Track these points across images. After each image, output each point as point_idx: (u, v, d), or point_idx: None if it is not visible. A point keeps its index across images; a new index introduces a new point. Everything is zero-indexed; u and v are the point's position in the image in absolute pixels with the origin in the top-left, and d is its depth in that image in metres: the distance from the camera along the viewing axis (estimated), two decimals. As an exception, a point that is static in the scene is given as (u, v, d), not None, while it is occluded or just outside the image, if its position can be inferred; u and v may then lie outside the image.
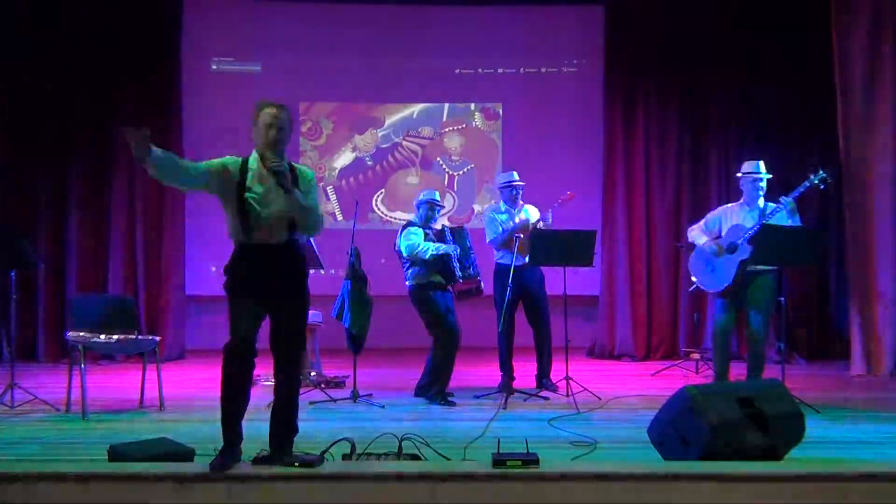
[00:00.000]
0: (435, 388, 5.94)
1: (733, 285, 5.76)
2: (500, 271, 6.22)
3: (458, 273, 5.98)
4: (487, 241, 6.41)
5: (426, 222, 6.10)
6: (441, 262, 5.95)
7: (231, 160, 3.96)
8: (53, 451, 4.53)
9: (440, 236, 6.07)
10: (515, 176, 6.45)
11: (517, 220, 6.32)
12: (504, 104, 9.23)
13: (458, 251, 6.04)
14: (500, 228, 6.31)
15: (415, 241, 5.95)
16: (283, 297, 3.82)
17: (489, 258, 6.54)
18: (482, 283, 6.17)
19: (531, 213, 6.40)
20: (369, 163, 9.25)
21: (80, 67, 8.21)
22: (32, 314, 8.09)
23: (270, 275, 3.79)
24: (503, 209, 6.43)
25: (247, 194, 3.80)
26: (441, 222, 6.48)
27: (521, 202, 6.46)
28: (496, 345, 6.34)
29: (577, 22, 9.00)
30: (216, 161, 3.94)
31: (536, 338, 6.40)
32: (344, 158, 9.26)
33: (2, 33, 8.07)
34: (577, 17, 9.01)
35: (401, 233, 6.11)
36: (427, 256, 5.90)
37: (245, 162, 3.93)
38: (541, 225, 6.24)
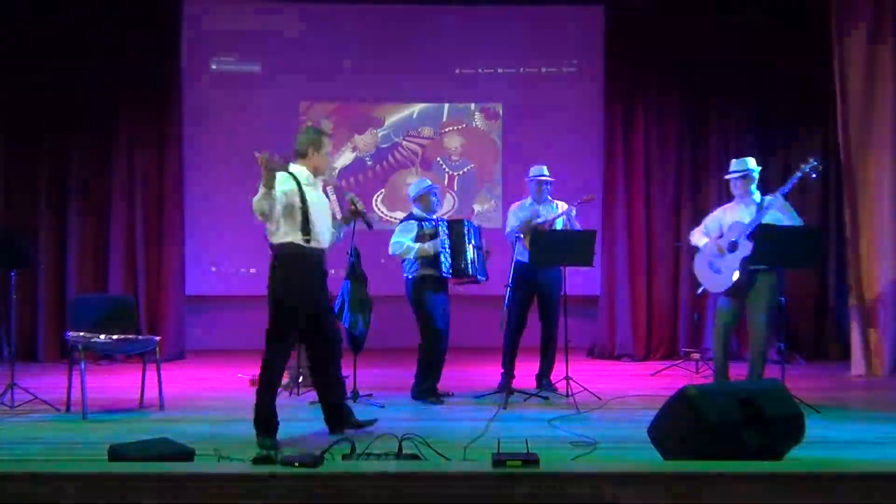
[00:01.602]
0: (424, 385, 5.95)
1: (737, 284, 5.76)
2: (514, 268, 6.22)
3: (445, 268, 5.87)
4: (506, 233, 6.43)
5: (428, 210, 6.05)
6: (431, 258, 5.91)
7: (284, 180, 4.56)
8: (53, 451, 4.53)
9: (434, 230, 5.96)
10: (544, 171, 6.39)
11: (541, 215, 6.30)
12: (504, 104, 9.23)
13: (449, 246, 5.91)
14: (518, 223, 6.30)
15: (400, 240, 5.93)
16: (323, 292, 4.79)
17: (500, 252, 6.53)
18: (478, 277, 6.08)
19: (558, 210, 6.37)
20: (369, 163, 9.26)
21: (80, 67, 8.21)
22: (32, 314, 8.09)
23: (319, 274, 4.69)
24: (528, 204, 6.42)
25: (308, 205, 4.58)
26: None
27: (549, 198, 6.45)
28: (496, 344, 6.34)
29: (577, 22, 9.00)
30: (278, 192, 4.50)
31: (543, 337, 6.40)
32: (344, 158, 9.26)
33: (1, 33, 8.07)
34: (577, 17, 9.01)
35: (395, 228, 6.12)
36: (412, 256, 5.91)
37: (294, 176, 4.63)
38: (559, 224, 6.25)
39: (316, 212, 4.63)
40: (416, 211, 6.12)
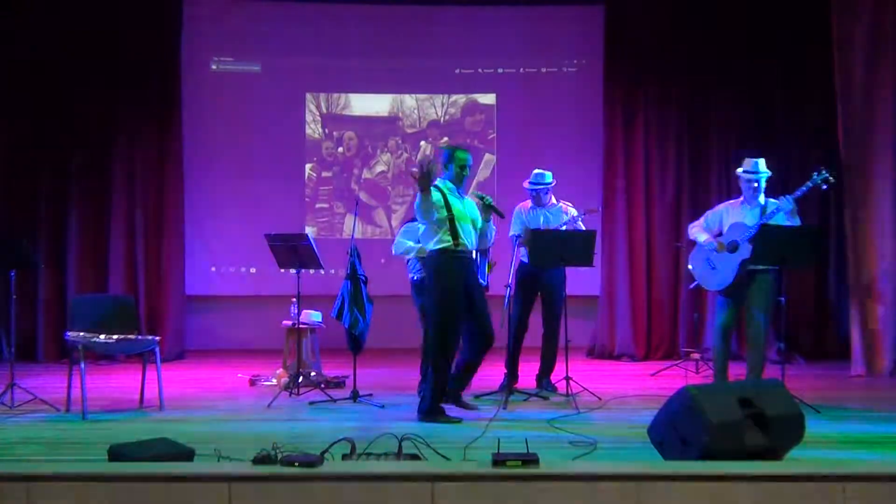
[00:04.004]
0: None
1: (734, 284, 5.75)
2: (517, 269, 6.21)
3: None
4: (509, 234, 6.43)
5: None
6: None
7: (435, 193, 5.16)
8: (53, 451, 4.54)
9: None
10: (541, 178, 6.38)
11: (540, 220, 6.31)
12: (503, 104, 9.21)
13: None
14: (520, 229, 6.30)
15: (402, 240, 6.08)
16: (474, 287, 5.35)
17: (499, 251, 6.52)
18: (480, 281, 6.11)
19: (564, 213, 6.37)
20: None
21: (80, 67, 8.20)
22: (32, 314, 8.09)
23: (471, 271, 5.32)
24: (529, 206, 6.43)
25: (454, 212, 5.19)
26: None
27: (552, 201, 6.44)
28: (496, 344, 6.32)
29: (577, 22, 8.99)
30: (437, 200, 5.18)
31: (544, 338, 6.40)
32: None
33: (0, 33, 8.07)
34: (577, 17, 9.00)
35: (399, 229, 6.17)
36: (412, 256, 6.00)
37: (440, 189, 5.23)
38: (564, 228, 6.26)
39: (460, 218, 5.22)
40: None
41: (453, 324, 5.22)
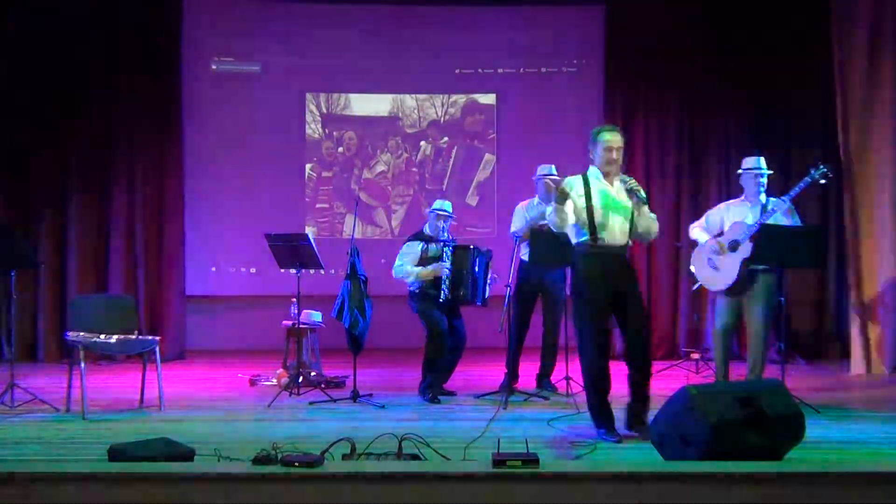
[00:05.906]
0: (425, 382, 6.03)
1: (737, 284, 5.74)
2: (518, 268, 6.21)
3: (445, 294, 5.98)
4: (510, 232, 6.41)
5: (435, 231, 6.18)
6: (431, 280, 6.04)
7: (573, 185, 4.67)
8: (53, 451, 4.53)
9: (438, 252, 6.07)
10: (553, 170, 6.37)
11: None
12: (503, 104, 9.21)
13: (450, 273, 5.98)
14: (524, 224, 6.28)
15: (402, 263, 6.11)
16: (625, 294, 4.67)
17: (500, 251, 6.52)
18: (475, 302, 6.13)
19: None
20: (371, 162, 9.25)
21: (80, 67, 8.20)
22: (32, 314, 8.08)
23: (616, 274, 4.66)
24: (535, 203, 6.39)
25: (593, 202, 4.64)
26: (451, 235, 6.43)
27: None
28: (497, 344, 6.35)
29: (577, 22, 8.99)
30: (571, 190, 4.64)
31: (544, 338, 6.39)
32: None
33: (1, 33, 8.07)
34: (577, 17, 9.00)
35: (401, 249, 6.24)
36: (409, 281, 6.08)
37: (584, 178, 4.73)
38: None
39: (606, 208, 4.65)
40: (426, 228, 6.26)
41: (590, 329, 4.63)
